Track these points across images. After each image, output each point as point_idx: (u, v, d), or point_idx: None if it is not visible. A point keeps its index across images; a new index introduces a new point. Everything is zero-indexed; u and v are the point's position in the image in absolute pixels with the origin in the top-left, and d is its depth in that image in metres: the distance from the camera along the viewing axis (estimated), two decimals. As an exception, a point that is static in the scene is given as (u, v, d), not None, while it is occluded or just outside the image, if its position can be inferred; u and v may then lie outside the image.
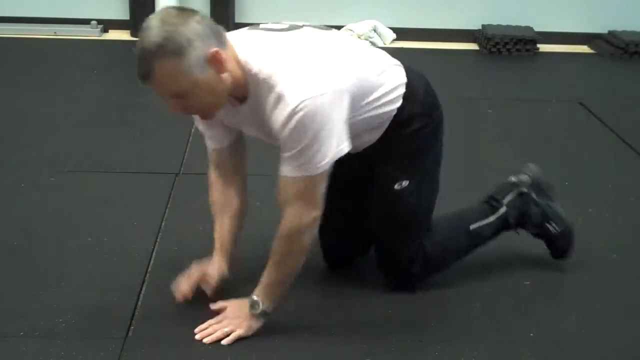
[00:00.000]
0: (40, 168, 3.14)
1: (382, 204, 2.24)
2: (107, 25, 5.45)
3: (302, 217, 1.93)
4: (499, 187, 2.45)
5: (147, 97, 4.17)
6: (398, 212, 2.22)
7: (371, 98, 2.03)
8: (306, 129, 1.80)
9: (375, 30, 5.51)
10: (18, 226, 2.64)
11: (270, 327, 2.12)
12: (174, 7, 1.86)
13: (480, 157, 3.50)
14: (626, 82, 5.01)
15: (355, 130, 1.99)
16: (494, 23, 5.66)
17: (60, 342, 2.02)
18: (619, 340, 2.18)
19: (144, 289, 2.26)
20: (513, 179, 2.44)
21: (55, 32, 5.30)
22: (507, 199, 2.40)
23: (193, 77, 1.77)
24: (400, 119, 2.12)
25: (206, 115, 1.95)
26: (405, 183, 2.17)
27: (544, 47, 5.52)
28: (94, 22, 5.36)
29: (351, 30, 5.53)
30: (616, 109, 4.24)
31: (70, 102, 4.06)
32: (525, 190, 2.40)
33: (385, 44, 5.53)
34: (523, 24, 5.64)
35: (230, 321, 2.05)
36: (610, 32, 5.66)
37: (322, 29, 2.05)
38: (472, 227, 2.35)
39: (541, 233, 2.44)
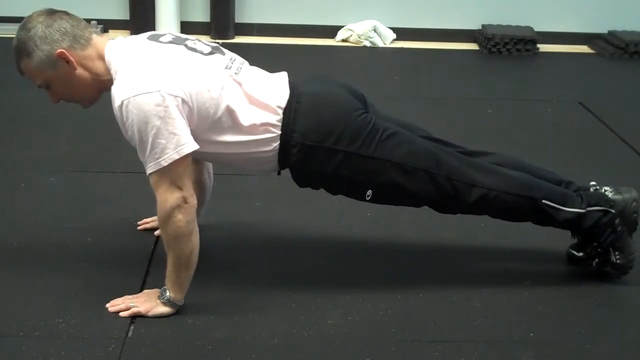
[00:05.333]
0: (40, 168, 3.14)
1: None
2: (107, 25, 5.46)
3: (166, 201, 2.06)
4: (593, 194, 2.41)
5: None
6: (390, 199, 2.32)
7: (226, 139, 2.15)
8: (132, 127, 2.03)
9: (375, 30, 5.51)
10: (18, 226, 2.64)
11: (270, 327, 2.13)
12: (42, 11, 2.14)
13: (480, 157, 3.50)
14: (626, 82, 5.01)
15: (239, 163, 2.28)
16: (494, 23, 5.66)
17: (60, 342, 2.03)
18: (619, 340, 2.18)
19: (144, 289, 2.26)
20: (610, 194, 2.40)
21: (55, 32, 5.30)
22: (592, 208, 2.35)
23: (46, 74, 2.12)
24: (294, 158, 2.19)
25: (83, 104, 2.26)
26: (369, 193, 2.25)
27: (544, 47, 5.52)
28: (94, 22, 5.36)
29: (351, 30, 5.54)
30: (616, 109, 4.24)
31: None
32: (613, 211, 2.36)
33: (385, 44, 5.53)
34: (523, 24, 5.64)
35: (139, 300, 2.17)
36: (610, 32, 5.66)
37: (201, 52, 2.17)
38: (545, 201, 2.31)
39: (601, 253, 2.41)
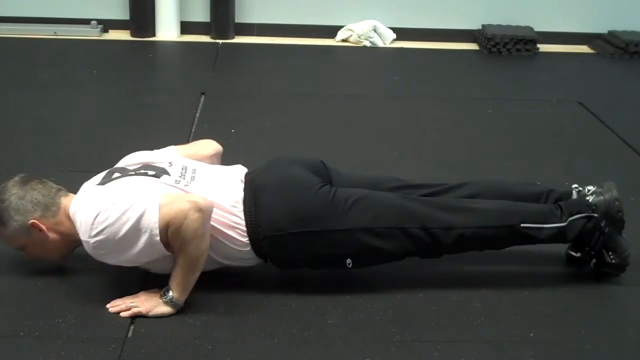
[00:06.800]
0: (40, 168, 3.14)
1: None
2: (107, 25, 5.45)
3: (181, 208, 2.06)
4: (573, 202, 2.41)
5: (147, 97, 4.19)
6: (372, 262, 2.33)
7: None
8: (116, 246, 2.10)
9: (375, 30, 5.51)
10: (18, 226, 2.64)
11: (270, 327, 2.13)
12: (16, 180, 2.25)
13: (480, 157, 3.50)
14: (626, 82, 5.01)
15: (227, 265, 2.29)
16: (494, 23, 5.66)
17: (60, 342, 2.03)
18: (619, 340, 2.18)
19: (144, 289, 2.25)
20: (591, 197, 2.40)
21: (55, 32, 5.30)
22: (574, 217, 2.35)
23: (20, 241, 2.24)
24: (266, 250, 2.24)
25: (56, 261, 2.33)
26: (349, 261, 2.27)
27: (544, 47, 5.52)
28: (94, 22, 5.36)
29: (351, 30, 5.54)
30: (616, 109, 4.24)
31: (70, 102, 4.06)
32: (596, 215, 2.36)
33: (385, 44, 5.53)
34: (523, 24, 5.64)
35: (139, 300, 2.18)
36: (610, 32, 5.66)
37: (151, 174, 2.24)
38: (523, 225, 2.32)
39: (595, 256, 2.41)
